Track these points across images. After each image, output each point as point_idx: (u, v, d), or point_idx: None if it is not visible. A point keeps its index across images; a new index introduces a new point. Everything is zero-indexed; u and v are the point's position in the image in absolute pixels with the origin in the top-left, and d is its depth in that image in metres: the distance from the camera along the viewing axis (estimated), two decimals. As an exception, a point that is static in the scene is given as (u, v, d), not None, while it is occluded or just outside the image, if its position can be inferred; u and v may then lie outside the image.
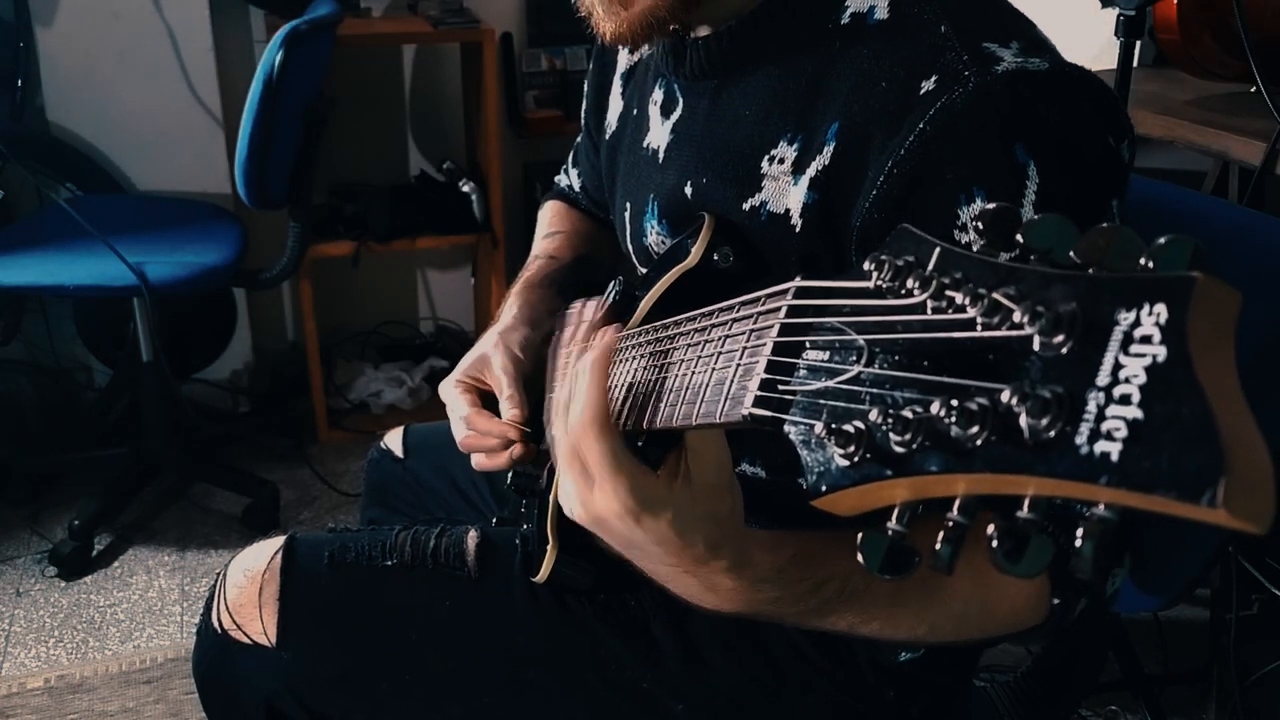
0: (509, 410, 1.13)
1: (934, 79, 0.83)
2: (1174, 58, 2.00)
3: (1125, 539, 0.88)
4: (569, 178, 1.51)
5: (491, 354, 1.18)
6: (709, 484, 0.75)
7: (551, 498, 1.02)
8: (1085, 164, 0.83)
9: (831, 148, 0.90)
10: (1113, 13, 1.75)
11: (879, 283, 0.50)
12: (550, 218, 1.47)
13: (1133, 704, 2.06)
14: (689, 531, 0.75)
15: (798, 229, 0.93)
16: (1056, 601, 0.88)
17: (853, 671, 1.08)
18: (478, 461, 1.17)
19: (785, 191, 0.94)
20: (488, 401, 1.18)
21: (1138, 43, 1.78)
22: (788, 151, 0.94)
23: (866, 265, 0.51)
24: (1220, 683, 1.92)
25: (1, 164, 2.72)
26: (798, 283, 0.60)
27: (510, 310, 1.23)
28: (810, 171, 0.91)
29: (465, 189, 3.05)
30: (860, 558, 0.48)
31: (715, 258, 0.96)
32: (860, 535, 0.48)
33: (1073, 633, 1.80)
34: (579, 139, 1.46)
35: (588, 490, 0.76)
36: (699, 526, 0.75)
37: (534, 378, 1.19)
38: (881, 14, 0.91)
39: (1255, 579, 1.86)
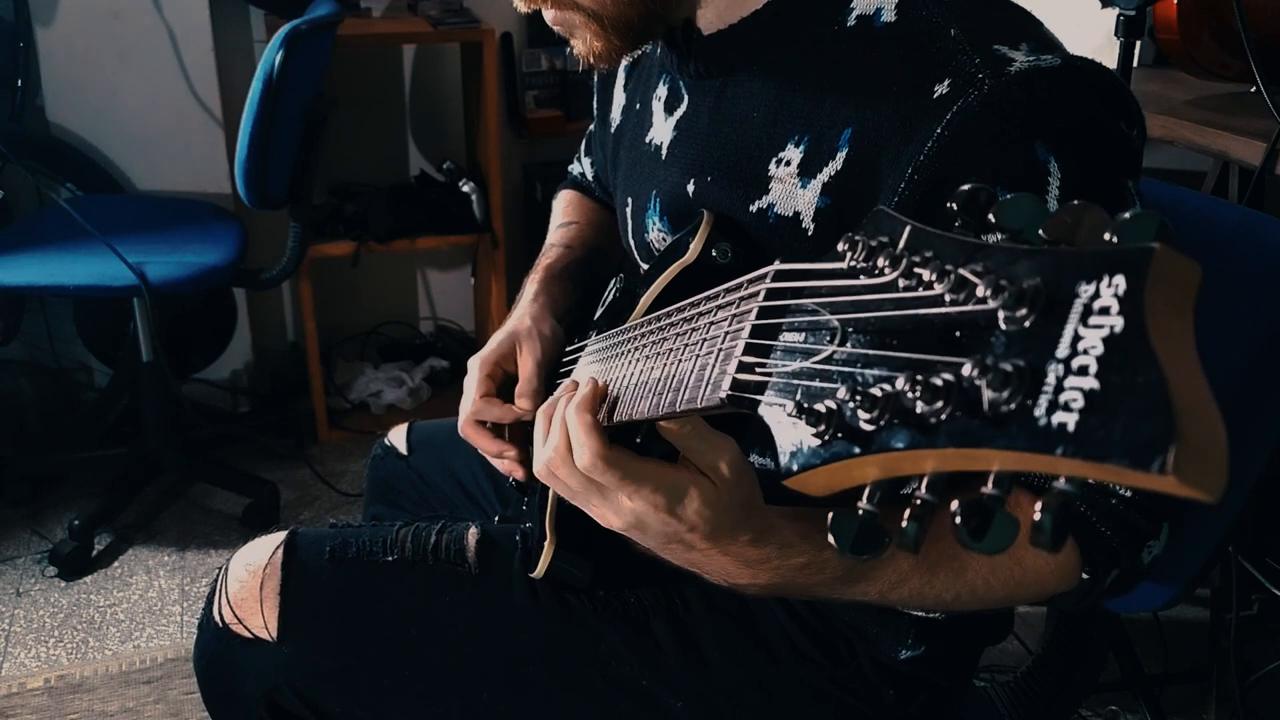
0: (523, 396, 1.15)
1: (947, 83, 0.84)
2: (1174, 58, 2.00)
3: (1164, 509, 0.88)
4: (582, 165, 1.52)
5: (524, 339, 1.19)
6: (721, 476, 0.79)
7: (551, 494, 1.03)
8: (1102, 153, 0.84)
9: (844, 153, 0.90)
10: (1113, 13, 1.75)
11: (852, 263, 0.50)
12: (564, 206, 1.48)
13: (1133, 704, 2.06)
14: (717, 514, 0.79)
15: (810, 233, 0.93)
16: (1086, 575, 0.89)
17: (853, 670, 1.08)
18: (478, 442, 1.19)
19: (793, 194, 0.94)
20: (508, 383, 1.19)
21: (1138, 43, 1.78)
22: (794, 154, 0.94)
23: (841, 246, 0.52)
24: (1220, 683, 1.92)
25: (1, 164, 2.73)
26: (776, 266, 0.61)
27: (536, 299, 1.24)
28: (822, 176, 0.92)
29: (465, 189, 3.06)
30: (831, 538, 0.48)
31: (714, 254, 0.97)
32: (830, 515, 0.48)
33: (1072, 632, 1.80)
34: (591, 126, 1.47)
35: (615, 503, 0.81)
36: (726, 511, 0.80)
37: (555, 367, 1.20)
38: (888, 17, 0.91)
39: (1255, 579, 1.86)
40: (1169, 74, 2.15)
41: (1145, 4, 1.70)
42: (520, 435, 1.18)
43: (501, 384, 1.20)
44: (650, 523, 0.80)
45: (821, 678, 1.08)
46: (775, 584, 0.87)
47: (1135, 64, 1.82)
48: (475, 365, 1.19)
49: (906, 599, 0.90)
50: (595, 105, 1.37)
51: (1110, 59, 1.78)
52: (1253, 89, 1.86)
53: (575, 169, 1.53)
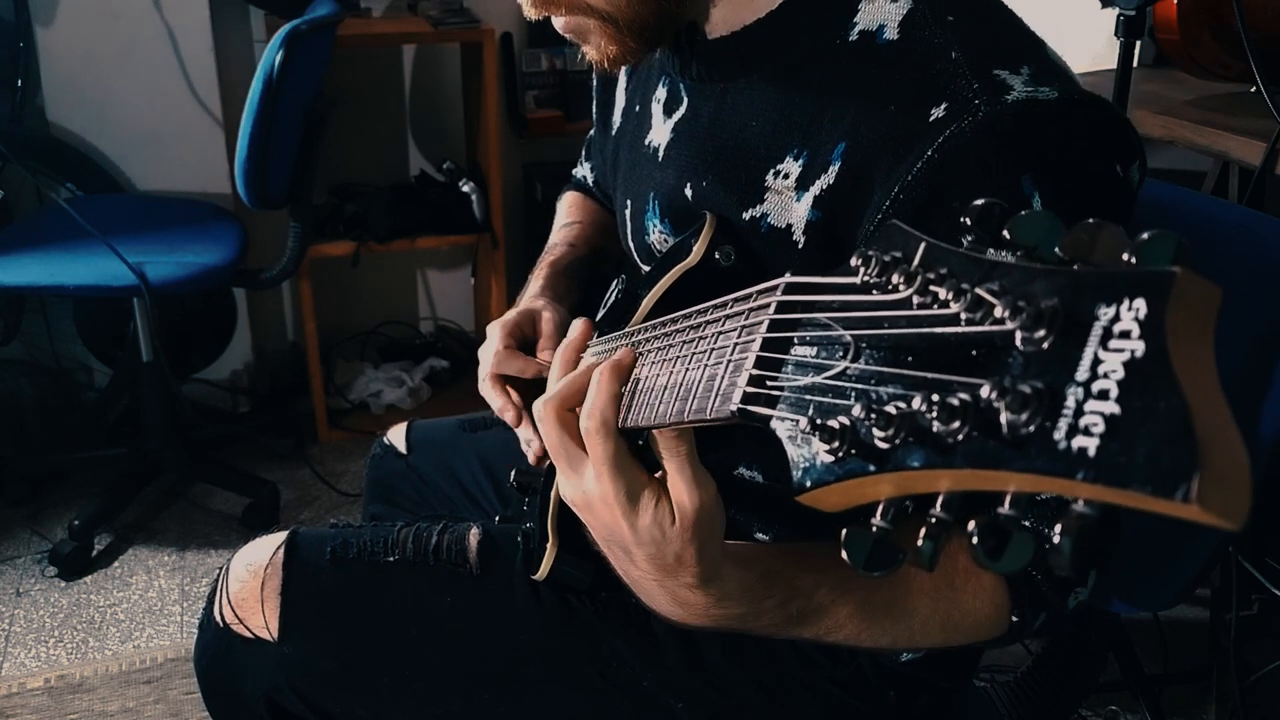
0: (545, 354, 1.16)
1: (944, 106, 0.83)
2: (1174, 58, 2.00)
3: (1093, 558, 0.89)
4: (584, 169, 1.52)
5: (542, 309, 1.19)
6: (685, 512, 0.78)
7: (553, 495, 1.03)
8: (1090, 193, 0.83)
9: (837, 168, 0.89)
10: (1113, 13, 1.75)
11: (866, 278, 0.50)
12: (568, 207, 1.48)
13: (1133, 704, 2.06)
14: (665, 541, 0.79)
15: (800, 245, 0.93)
16: (1015, 618, 0.91)
17: (854, 672, 1.08)
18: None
19: (788, 207, 0.94)
20: (525, 348, 1.19)
21: (1138, 43, 1.77)
22: (793, 167, 0.93)
23: (854, 261, 0.51)
24: (1220, 683, 1.92)
25: (1, 164, 2.72)
26: (788, 279, 0.61)
27: (543, 293, 1.25)
28: (814, 189, 0.91)
29: (465, 189, 3.05)
30: (844, 554, 0.48)
31: (717, 256, 0.96)
32: (844, 532, 0.48)
33: (1073, 633, 1.80)
34: (591, 132, 1.47)
35: (580, 474, 0.81)
36: (671, 543, 0.79)
37: None
38: (891, 34, 0.90)
39: (1255, 579, 1.86)
40: (1169, 74, 2.15)
41: (1145, 4, 1.70)
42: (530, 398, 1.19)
43: (520, 347, 1.19)
44: (598, 511, 0.81)
45: (822, 678, 1.08)
46: (704, 625, 0.87)
47: (1135, 64, 1.82)
48: (495, 326, 1.18)
49: (840, 641, 0.91)
50: (595, 111, 1.36)
51: (1110, 59, 1.78)
52: (1253, 89, 1.86)
53: (579, 172, 1.53)
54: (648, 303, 0.99)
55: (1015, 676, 1.90)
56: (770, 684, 1.09)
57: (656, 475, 0.80)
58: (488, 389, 1.17)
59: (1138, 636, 2.06)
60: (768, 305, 0.62)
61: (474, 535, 1.14)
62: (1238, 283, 1.22)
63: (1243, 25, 1.74)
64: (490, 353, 1.16)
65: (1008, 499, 0.41)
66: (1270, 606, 1.90)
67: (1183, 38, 1.93)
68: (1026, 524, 0.40)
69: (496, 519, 1.31)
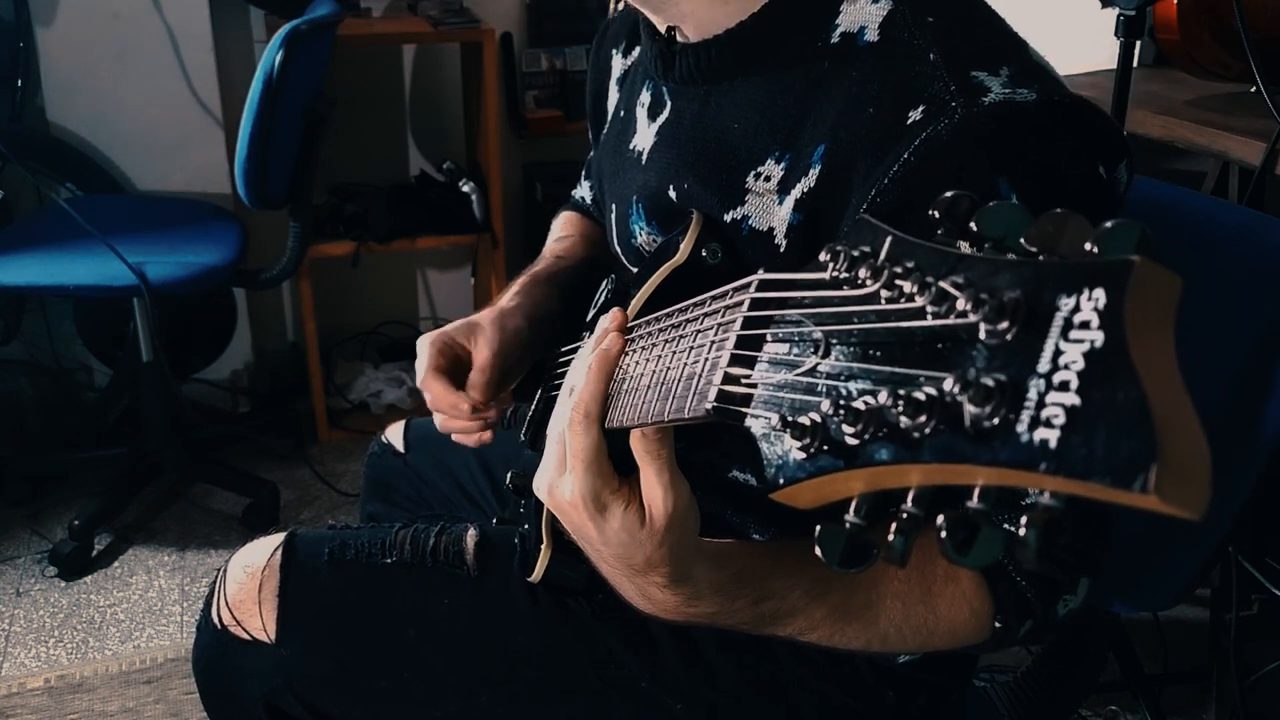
0: (475, 387, 1.16)
1: (921, 109, 0.82)
2: (1174, 58, 2.00)
3: (1083, 565, 0.88)
4: (583, 189, 1.51)
5: (485, 326, 1.19)
6: (654, 516, 0.78)
7: None
8: (1069, 196, 0.82)
9: (817, 170, 0.89)
10: (1113, 13, 1.74)
11: (835, 273, 0.50)
12: (562, 224, 1.48)
13: (1133, 704, 2.06)
14: (633, 544, 0.79)
15: (782, 249, 0.93)
16: (999, 625, 0.90)
17: (852, 672, 1.08)
18: (439, 422, 1.21)
19: (769, 210, 0.93)
20: (455, 369, 1.19)
21: (1138, 43, 1.77)
22: (775, 170, 0.93)
23: (823, 256, 0.51)
24: (1220, 683, 1.91)
25: (1, 164, 2.73)
26: (760, 275, 0.60)
27: (513, 300, 1.24)
28: (796, 193, 0.91)
29: (465, 189, 3.06)
30: (818, 551, 0.48)
31: (704, 254, 0.96)
32: (818, 529, 0.48)
33: (1073, 633, 1.79)
34: (592, 152, 1.47)
35: (558, 474, 0.81)
36: (640, 546, 0.79)
37: (514, 370, 1.20)
38: (871, 36, 0.90)
39: (1255, 579, 1.86)
40: (1169, 74, 2.15)
41: (1145, 4, 1.69)
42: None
43: (453, 366, 1.19)
44: (565, 509, 0.81)
45: (820, 678, 1.08)
46: (674, 620, 0.88)
47: (1135, 64, 1.82)
48: (424, 341, 1.19)
49: (815, 641, 0.91)
50: (590, 127, 1.37)
51: (1110, 59, 1.78)
52: (1253, 89, 1.86)
53: (577, 193, 1.53)
54: (636, 303, 0.99)
55: (1015, 676, 1.90)
56: (768, 684, 1.08)
57: (629, 478, 0.80)
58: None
59: (1138, 636, 2.06)
60: (741, 303, 0.62)
61: (471, 537, 1.14)
62: (1238, 283, 1.22)
63: (1243, 25, 1.73)
64: (419, 374, 1.18)
65: (976, 492, 0.41)
66: (1270, 606, 1.90)
67: (1183, 38, 1.92)
68: (996, 518, 0.40)
69: (494, 520, 1.31)
